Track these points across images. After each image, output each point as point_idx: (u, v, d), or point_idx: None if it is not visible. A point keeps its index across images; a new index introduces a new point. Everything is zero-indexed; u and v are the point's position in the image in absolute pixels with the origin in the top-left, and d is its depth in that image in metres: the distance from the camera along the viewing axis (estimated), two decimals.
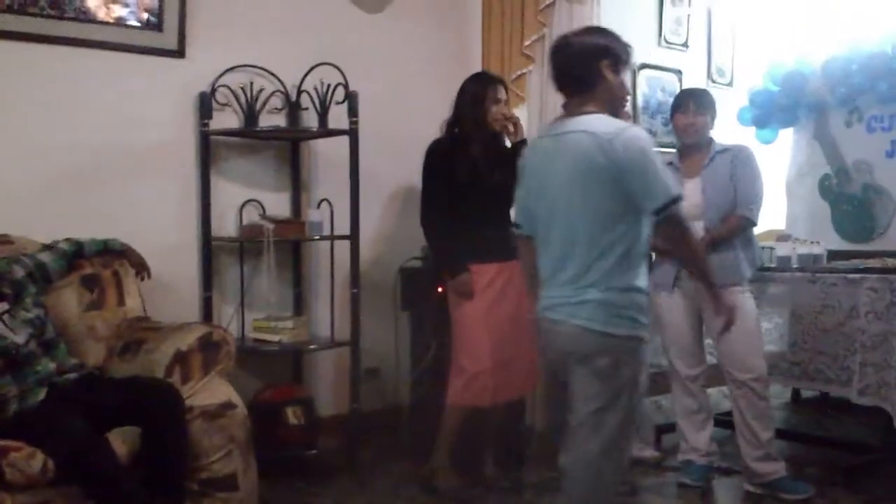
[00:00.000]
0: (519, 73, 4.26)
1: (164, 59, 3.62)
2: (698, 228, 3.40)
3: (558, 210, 2.36)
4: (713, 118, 3.55)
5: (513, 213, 2.66)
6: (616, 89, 2.43)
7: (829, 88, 4.77)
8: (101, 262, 3.20)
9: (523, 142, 3.52)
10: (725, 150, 3.52)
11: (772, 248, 3.89)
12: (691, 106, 3.50)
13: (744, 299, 3.40)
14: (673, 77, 5.39)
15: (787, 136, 5.19)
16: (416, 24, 4.34)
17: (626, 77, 2.50)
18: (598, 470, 2.35)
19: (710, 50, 5.64)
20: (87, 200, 3.43)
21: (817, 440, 4.08)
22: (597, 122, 2.32)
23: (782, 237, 4.10)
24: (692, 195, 3.40)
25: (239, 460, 2.85)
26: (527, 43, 4.23)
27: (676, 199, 2.29)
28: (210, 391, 2.91)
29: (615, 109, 2.43)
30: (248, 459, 2.89)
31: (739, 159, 3.48)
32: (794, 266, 3.82)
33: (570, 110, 2.43)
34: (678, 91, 3.81)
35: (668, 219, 2.31)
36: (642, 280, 2.36)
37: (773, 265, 3.83)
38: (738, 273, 3.40)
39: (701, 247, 2.53)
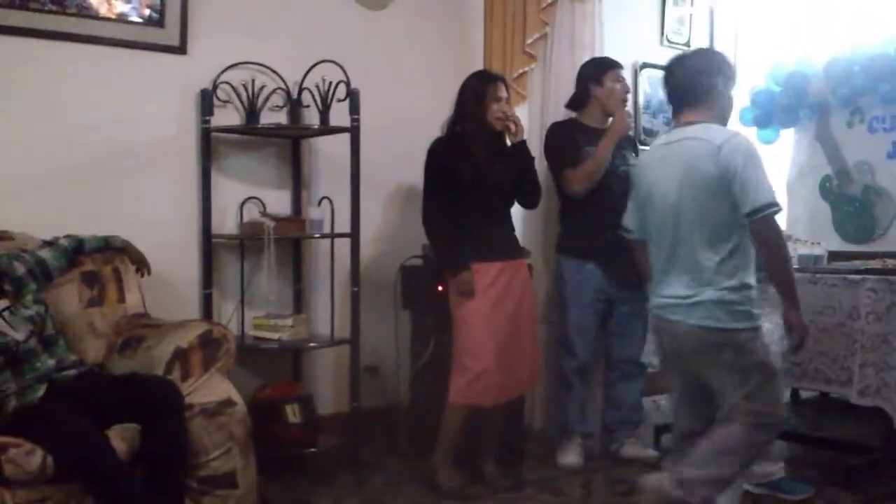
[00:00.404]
0: (521, 71, 4.28)
1: (165, 55, 3.61)
2: None
3: (671, 215, 2.56)
4: None
5: (626, 218, 2.91)
6: (726, 103, 2.69)
7: (831, 89, 4.77)
8: (101, 259, 3.20)
9: (524, 142, 3.52)
10: None
11: None
12: None
13: None
14: None
15: (788, 136, 5.19)
16: (418, 22, 4.33)
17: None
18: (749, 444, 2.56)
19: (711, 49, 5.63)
20: (88, 197, 3.43)
21: (817, 441, 4.08)
22: (707, 131, 2.54)
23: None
24: None
25: (238, 458, 2.85)
26: (529, 41, 4.24)
27: (770, 206, 2.42)
28: (210, 388, 2.91)
29: (724, 121, 2.64)
30: (247, 457, 2.89)
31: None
32: (795, 267, 3.81)
33: (682, 120, 2.64)
34: None
35: (759, 224, 2.44)
36: (751, 276, 2.55)
37: None
38: None
39: (787, 262, 2.55)
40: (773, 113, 5.07)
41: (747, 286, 2.54)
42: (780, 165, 5.11)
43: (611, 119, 3.81)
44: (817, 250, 3.96)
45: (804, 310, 3.59)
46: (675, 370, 2.76)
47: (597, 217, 3.71)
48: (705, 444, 2.57)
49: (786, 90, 4.98)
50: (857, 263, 3.83)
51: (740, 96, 5.26)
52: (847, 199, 4.84)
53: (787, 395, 4.93)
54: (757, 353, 2.56)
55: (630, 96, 3.95)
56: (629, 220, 2.88)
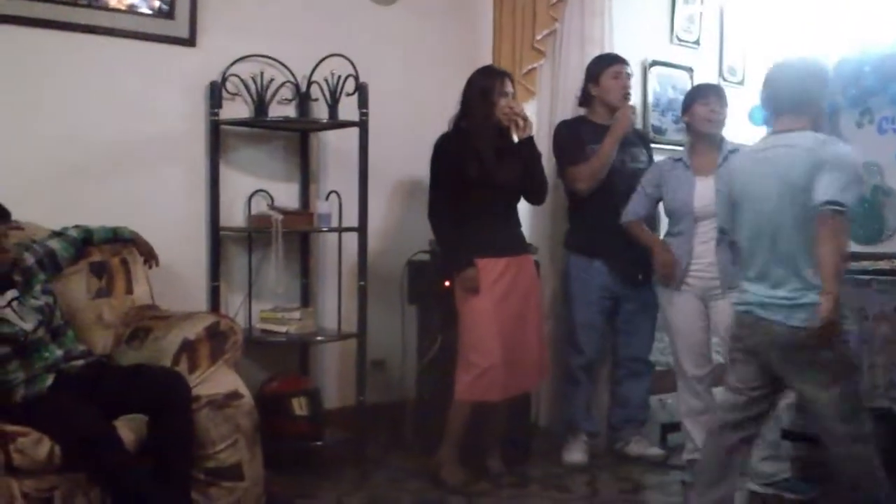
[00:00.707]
0: (530, 67, 4.26)
1: (174, 47, 3.61)
2: (710, 227, 3.39)
3: (769, 221, 2.63)
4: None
5: (720, 219, 2.98)
6: (823, 112, 2.78)
7: (841, 89, 4.75)
8: (109, 250, 3.20)
9: (531, 138, 3.51)
10: (736, 149, 3.50)
11: None
12: (713, 97, 3.50)
13: None
14: (684, 74, 5.37)
15: None
16: (427, 17, 4.32)
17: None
18: (856, 437, 2.65)
19: (721, 48, 5.61)
20: (97, 188, 3.43)
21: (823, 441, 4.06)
22: (808, 139, 2.60)
23: None
24: (705, 194, 3.39)
25: (245, 450, 2.85)
26: (538, 37, 4.23)
27: (843, 205, 2.47)
28: (217, 380, 2.91)
29: (819, 130, 2.68)
30: (253, 449, 2.89)
31: None
32: None
33: (781, 127, 2.69)
34: (691, 86, 3.76)
35: (830, 211, 2.47)
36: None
37: None
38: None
39: (837, 253, 2.54)
40: None
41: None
42: None
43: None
44: None
45: None
46: (749, 366, 2.79)
47: (603, 215, 3.72)
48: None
49: None
50: (866, 264, 3.81)
51: (750, 96, 5.26)
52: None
53: (792, 395, 4.92)
54: (846, 350, 2.71)
55: (633, 91, 3.90)
56: (723, 221, 2.94)
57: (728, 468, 2.82)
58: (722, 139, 3.52)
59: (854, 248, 4.62)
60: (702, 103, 3.49)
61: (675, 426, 4.10)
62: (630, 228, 3.63)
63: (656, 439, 4.07)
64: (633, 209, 3.63)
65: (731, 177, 2.84)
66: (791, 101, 2.69)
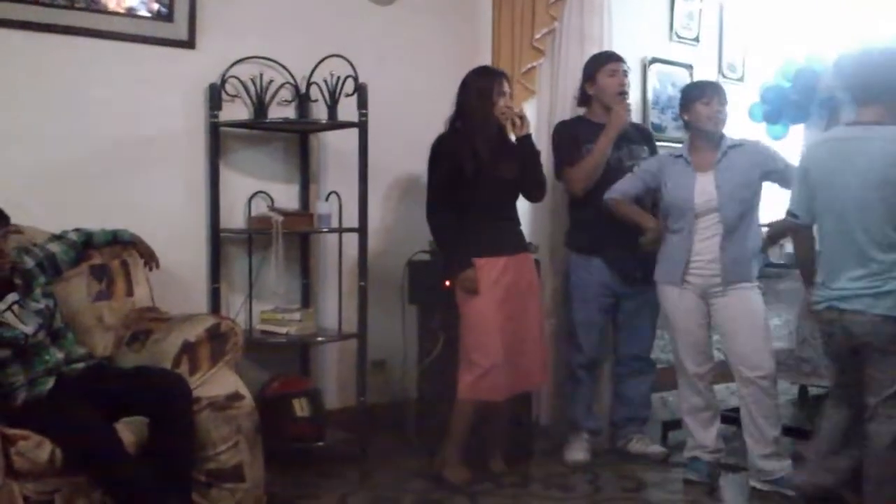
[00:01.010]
0: (529, 66, 4.25)
1: (174, 49, 3.61)
2: (711, 224, 3.39)
3: (850, 209, 2.67)
4: None
5: (792, 203, 2.95)
6: None
7: (842, 84, 4.74)
8: (110, 253, 3.21)
9: (528, 136, 3.51)
10: (738, 144, 3.51)
11: (781, 246, 3.87)
12: (714, 96, 3.48)
13: (754, 296, 3.41)
14: (684, 72, 5.36)
15: (798, 132, 5.17)
16: (426, 17, 4.32)
17: None
18: None
19: (721, 45, 5.60)
20: (97, 191, 3.44)
21: None
22: (891, 132, 2.64)
23: None
24: (705, 189, 3.40)
25: (246, 451, 2.86)
26: (537, 36, 4.22)
27: None
28: (218, 382, 2.92)
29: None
30: (254, 451, 2.90)
31: (758, 151, 3.52)
32: None
33: (865, 118, 2.71)
34: (692, 82, 3.74)
35: None
36: None
37: (783, 262, 3.81)
38: (750, 270, 3.41)
39: None
40: (782, 109, 5.05)
41: None
42: (791, 161, 5.09)
43: None
44: None
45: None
46: (841, 366, 2.86)
47: (603, 213, 3.71)
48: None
49: (796, 86, 4.96)
50: None
51: (750, 92, 5.26)
52: None
53: (794, 391, 4.92)
54: None
55: (633, 89, 3.90)
56: (796, 206, 2.93)
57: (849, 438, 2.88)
58: (722, 136, 3.51)
59: None
60: (703, 103, 3.46)
61: (676, 424, 4.10)
62: (616, 206, 3.58)
63: (658, 437, 4.07)
64: (619, 187, 3.59)
65: (808, 165, 2.87)
66: (878, 91, 2.69)
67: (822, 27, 5.25)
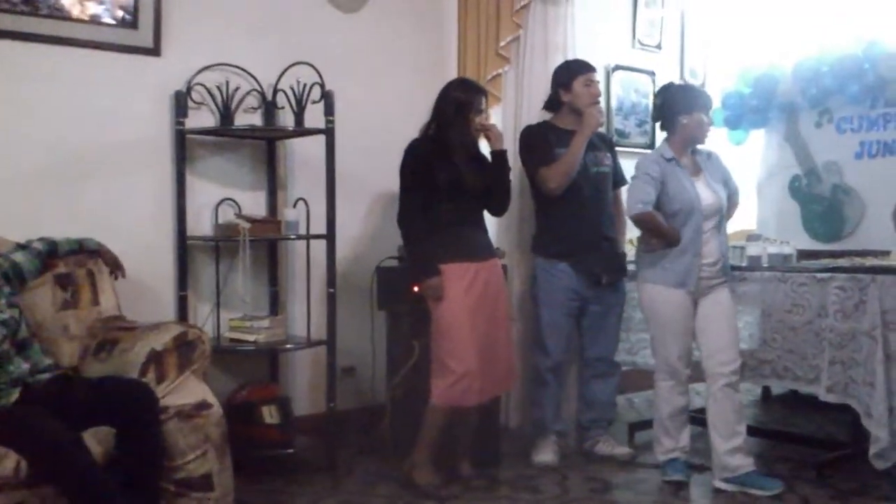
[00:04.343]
0: (495, 73, 4.29)
1: (139, 57, 3.60)
2: (710, 227, 3.48)
3: None
4: None
5: None
6: None
7: (800, 90, 4.84)
8: (75, 262, 3.18)
9: (504, 152, 3.55)
10: (708, 153, 3.66)
11: (742, 248, 3.95)
12: (710, 108, 3.59)
13: (729, 293, 3.53)
14: (646, 78, 5.44)
15: (758, 137, 5.26)
16: (392, 24, 4.35)
17: None
18: None
19: (683, 52, 5.69)
20: (62, 199, 3.41)
21: (787, 436, 4.14)
22: None
23: (753, 237, 4.16)
24: (707, 193, 3.50)
25: (214, 460, 2.84)
26: (502, 43, 4.26)
27: None
28: (185, 391, 2.90)
29: None
30: (223, 459, 2.88)
31: (721, 163, 3.66)
32: (765, 265, 3.88)
33: None
34: (687, 86, 3.81)
35: None
36: None
37: (743, 264, 3.88)
38: (727, 269, 3.53)
39: None
40: (743, 114, 5.13)
41: None
42: (750, 166, 5.18)
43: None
44: (786, 249, 4.01)
45: (774, 308, 3.69)
46: None
47: (569, 218, 3.77)
48: None
49: (755, 92, 5.05)
50: (826, 262, 3.89)
51: (712, 98, 5.33)
52: (816, 199, 4.92)
53: (757, 392, 5.01)
54: None
55: (602, 98, 3.95)
56: None
57: None
58: None
59: (814, 245, 4.74)
60: (706, 114, 3.54)
61: (642, 425, 4.17)
62: (652, 219, 3.46)
63: (624, 438, 4.12)
64: (645, 198, 3.45)
65: None
66: None
67: (781, 35, 5.34)
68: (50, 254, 3.08)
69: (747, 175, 5.07)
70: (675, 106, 3.56)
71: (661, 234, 3.47)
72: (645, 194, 3.46)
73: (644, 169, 3.52)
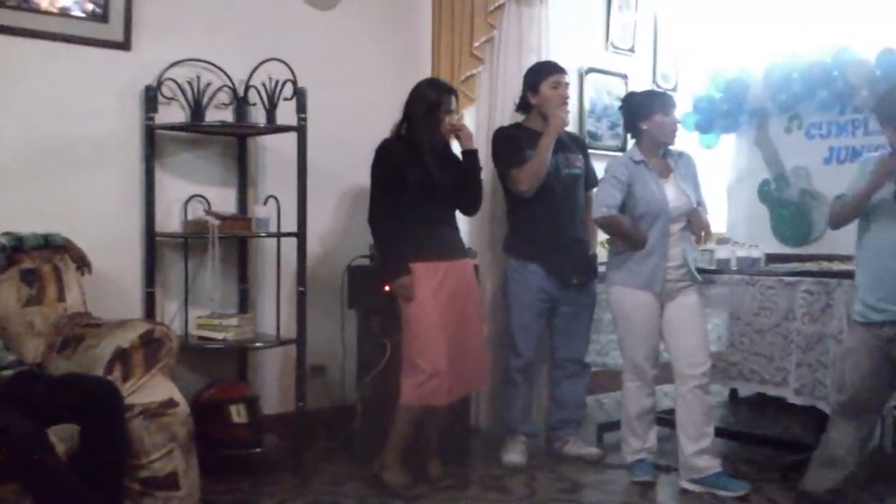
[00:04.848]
0: (469, 73, 4.29)
1: (109, 51, 3.56)
2: (678, 227, 3.48)
3: None
4: None
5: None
6: None
7: (770, 95, 4.89)
8: (41, 257, 3.14)
9: (475, 152, 3.55)
10: (681, 154, 3.66)
11: (712, 251, 3.98)
12: (672, 108, 3.58)
13: (697, 296, 3.54)
14: (619, 81, 5.47)
15: (728, 141, 5.30)
16: (366, 23, 4.33)
17: None
18: None
19: (655, 55, 5.73)
20: (28, 193, 3.36)
21: (754, 438, 4.18)
22: None
23: (722, 240, 4.19)
24: (675, 196, 3.51)
25: (180, 459, 2.83)
26: (476, 44, 4.26)
27: None
28: (151, 389, 2.88)
29: None
30: (189, 458, 2.87)
31: (694, 164, 3.68)
32: (734, 269, 3.91)
33: None
34: (644, 92, 3.78)
35: None
36: None
37: (712, 268, 3.91)
38: (694, 272, 3.54)
39: None
40: (713, 119, 5.17)
41: None
42: (720, 170, 5.22)
43: None
44: (755, 253, 4.06)
45: (742, 311, 3.73)
46: (873, 382, 3.02)
47: (539, 219, 3.78)
48: None
49: (726, 96, 5.09)
50: (794, 265, 3.93)
51: (684, 102, 5.38)
52: (785, 203, 4.97)
53: (725, 393, 5.05)
54: None
55: (572, 100, 3.96)
56: None
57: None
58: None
59: (783, 249, 4.79)
60: (665, 114, 3.54)
61: (611, 426, 4.18)
62: (617, 223, 3.51)
63: (593, 439, 4.14)
64: (610, 202, 3.50)
65: None
66: None
67: (752, 40, 5.39)
68: (15, 249, 3.04)
69: (718, 179, 5.11)
70: (635, 114, 3.61)
71: (626, 236, 3.52)
72: (610, 198, 3.51)
73: (611, 172, 3.56)
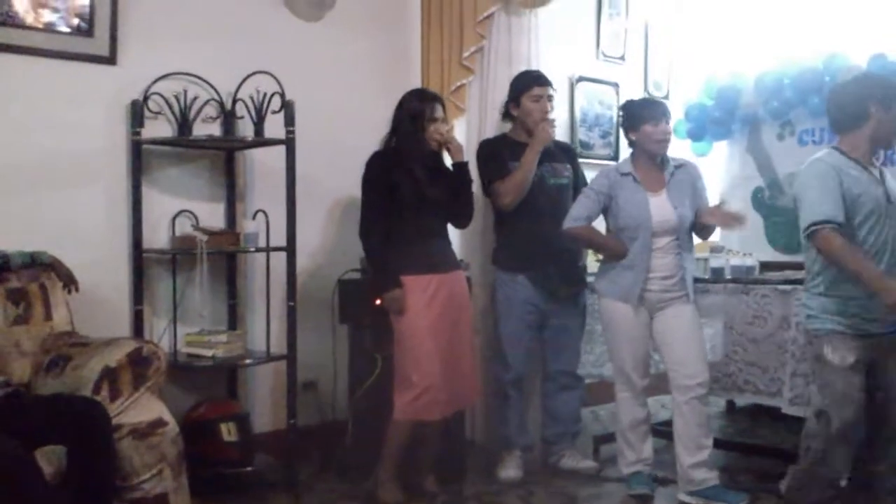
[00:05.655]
0: (458, 84, 4.26)
1: (94, 65, 3.53)
2: (666, 242, 3.44)
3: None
4: None
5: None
6: None
7: (762, 102, 4.87)
8: (27, 275, 3.12)
9: (466, 164, 3.53)
10: (682, 164, 3.60)
11: (706, 260, 3.95)
12: (663, 118, 3.52)
13: (693, 308, 3.50)
14: (611, 90, 5.45)
15: (721, 148, 5.29)
16: (354, 34, 4.31)
17: None
18: None
19: (646, 63, 5.71)
20: (14, 210, 3.32)
21: (751, 448, 4.14)
22: None
23: (716, 249, 4.16)
24: (662, 210, 3.45)
25: (170, 479, 2.81)
26: (466, 54, 4.24)
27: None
28: (140, 408, 2.86)
29: None
30: (179, 478, 2.84)
31: (697, 174, 3.62)
32: (728, 277, 3.88)
33: None
34: (637, 101, 3.72)
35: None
36: None
37: (706, 277, 3.88)
38: (688, 284, 3.49)
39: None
40: (705, 126, 5.16)
41: None
42: (713, 177, 5.19)
43: None
44: (749, 261, 4.03)
45: (736, 320, 3.69)
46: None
47: (526, 231, 3.76)
48: None
49: (718, 103, 5.08)
50: (788, 273, 3.90)
51: (676, 109, 5.36)
52: (778, 211, 4.95)
53: (722, 403, 5.01)
54: None
55: (561, 107, 3.93)
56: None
57: None
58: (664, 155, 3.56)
59: (777, 257, 4.76)
60: (653, 125, 3.48)
61: (607, 438, 4.14)
62: (578, 233, 3.53)
63: (589, 452, 4.10)
64: (578, 213, 3.52)
65: None
66: None
67: (744, 46, 5.38)
68: (1, 267, 3.02)
69: (711, 186, 5.08)
70: (625, 124, 3.59)
71: (599, 248, 3.57)
72: (581, 209, 3.53)
73: (592, 184, 3.59)
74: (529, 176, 3.72)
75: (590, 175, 3.98)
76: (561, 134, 4.01)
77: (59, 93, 3.46)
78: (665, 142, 3.52)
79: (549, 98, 3.84)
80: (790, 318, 3.50)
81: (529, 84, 3.83)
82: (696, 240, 3.66)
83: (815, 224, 2.78)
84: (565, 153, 4.00)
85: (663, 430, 3.81)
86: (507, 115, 3.92)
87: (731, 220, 3.57)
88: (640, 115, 3.52)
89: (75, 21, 3.48)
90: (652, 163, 3.53)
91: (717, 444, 3.77)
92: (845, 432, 2.80)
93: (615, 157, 5.23)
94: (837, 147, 2.93)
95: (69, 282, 3.16)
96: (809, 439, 2.88)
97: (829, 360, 2.82)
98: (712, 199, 3.71)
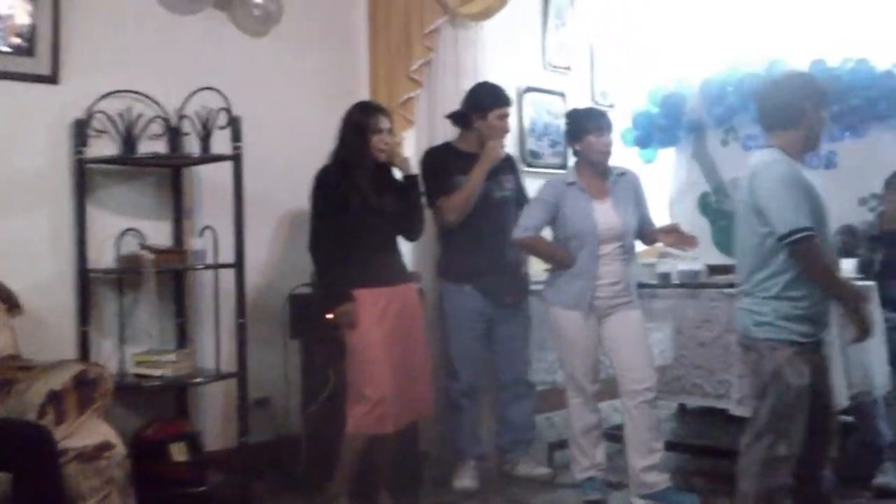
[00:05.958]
0: (407, 96, 4.27)
1: (36, 85, 3.48)
2: (612, 249, 3.48)
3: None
4: None
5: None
6: None
7: (706, 108, 4.96)
8: None
9: (416, 177, 3.54)
10: (623, 172, 3.65)
11: (653, 265, 4.00)
12: (606, 129, 3.58)
13: (639, 313, 3.54)
14: (558, 99, 5.50)
15: (667, 155, 5.37)
16: (301, 48, 4.30)
17: None
18: None
19: (592, 73, 5.78)
20: None
21: (703, 450, 4.20)
22: None
23: (664, 254, 4.21)
24: (607, 217, 3.50)
25: (118, 502, 2.76)
26: (413, 67, 4.25)
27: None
28: (86, 432, 2.82)
29: None
30: (127, 501, 2.81)
31: (638, 183, 3.69)
32: (675, 282, 3.93)
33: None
34: (581, 111, 3.74)
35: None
36: None
37: (654, 282, 3.93)
38: (633, 289, 3.54)
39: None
40: (652, 133, 5.24)
41: None
42: (660, 184, 5.28)
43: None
44: (696, 265, 4.08)
45: (684, 324, 3.74)
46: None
47: (471, 241, 3.79)
48: None
49: (663, 111, 5.16)
50: (733, 277, 3.95)
51: (621, 118, 5.44)
52: (724, 215, 5.03)
53: (673, 406, 5.07)
54: None
55: (512, 118, 3.97)
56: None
57: None
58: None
59: (724, 260, 4.82)
60: (596, 136, 3.54)
61: (561, 444, 4.17)
62: (534, 244, 3.59)
63: (544, 459, 4.12)
64: (530, 224, 3.57)
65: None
66: None
67: (689, 53, 5.47)
68: None
69: (658, 193, 5.16)
70: (570, 135, 3.66)
71: (548, 257, 3.61)
72: (530, 219, 3.58)
73: (540, 193, 3.62)
74: (476, 193, 3.76)
75: (538, 184, 4.01)
76: (510, 144, 4.03)
77: (0, 113, 3.40)
78: (607, 153, 3.58)
79: (508, 119, 3.89)
80: (735, 321, 3.54)
81: (500, 103, 3.86)
82: (641, 245, 3.72)
83: (797, 231, 2.63)
84: (508, 165, 4.03)
85: (616, 434, 3.84)
86: (462, 123, 3.93)
87: (684, 243, 3.64)
88: (584, 126, 3.57)
89: (16, 40, 3.43)
90: (595, 171, 3.58)
91: (669, 446, 3.82)
92: (790, 453, 2.71)
93: (565, 166, 5.28)
94: (776, 146, 2.78)
95: (12, 304, 3.12)
96: (747, 458, 2.79)
97: (788, 380, 2.67)
98: (658, 207, 3.76)
